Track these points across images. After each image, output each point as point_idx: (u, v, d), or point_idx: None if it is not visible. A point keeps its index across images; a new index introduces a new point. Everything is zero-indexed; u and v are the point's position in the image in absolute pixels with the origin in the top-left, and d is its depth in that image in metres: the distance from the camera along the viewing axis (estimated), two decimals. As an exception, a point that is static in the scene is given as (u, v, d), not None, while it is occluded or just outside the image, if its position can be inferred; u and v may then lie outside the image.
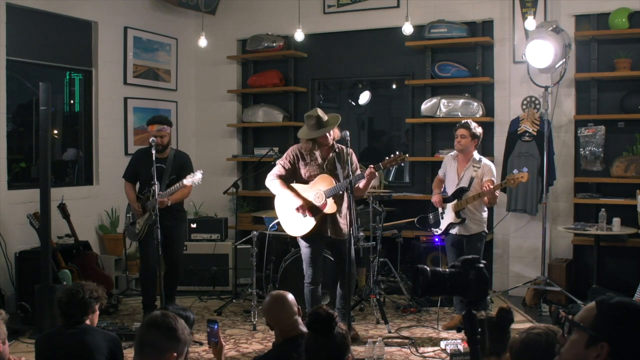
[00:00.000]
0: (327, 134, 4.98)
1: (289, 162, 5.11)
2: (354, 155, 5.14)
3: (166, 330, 2.44)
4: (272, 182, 5.12)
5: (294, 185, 5.11)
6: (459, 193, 5.32)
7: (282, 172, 5.11)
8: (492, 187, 5.10)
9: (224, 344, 3.33)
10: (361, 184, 4.98)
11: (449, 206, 5.37)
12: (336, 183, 4.95)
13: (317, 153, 5.06)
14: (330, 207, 4.98)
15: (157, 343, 2.42)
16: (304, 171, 5.09)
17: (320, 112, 5.03)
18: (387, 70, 7.56)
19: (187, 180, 5.40)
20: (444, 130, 7.12)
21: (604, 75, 6.44)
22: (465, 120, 5.44)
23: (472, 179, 5.30)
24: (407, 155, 5.00)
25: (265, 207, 7.39)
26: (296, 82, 7.85)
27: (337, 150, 5.09)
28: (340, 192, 4.95)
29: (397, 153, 4.88)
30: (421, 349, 4.92)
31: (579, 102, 6.62)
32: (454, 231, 5.38)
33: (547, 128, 6.13)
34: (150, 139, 5.40)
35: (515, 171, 5.29)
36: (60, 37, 6.63)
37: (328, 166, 5.06)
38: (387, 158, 4.91)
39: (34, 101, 6.41)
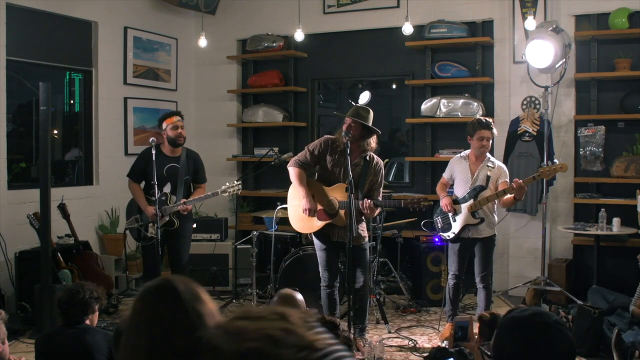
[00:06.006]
0: (363, 138, 4.69)
1: (318, 150, 4.77)
2: (382, 169, 4.88)
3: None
4: (291, 168, 4.81)
5: (315, 182, 4.84)
6: (475, 192, 5.00)
7: (306, 159, 4.79)
8: (522, 182, 4.73)
9: None
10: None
11: (464, 207, 5.01)
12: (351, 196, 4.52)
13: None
14: (339, 220, 4.72)
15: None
16: (330, 165, 4.77)
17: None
18: (387, 70, 7.55)
19: (225, 191, 5.29)
20: (444, 130, 7.13)
21: (604, 75, 6.44)
22: (485, 120, 5.09)
23: (488, 178, 4.99)
24: (431, 203, 4.71)
25: (265, 207, 7.38)
26: (296, 82, 7.85)
27: (367, 158, 4.77)
28: (355, 208, 4.56)
29: (420, 198, 4.70)
30: (421, 349, 4.92)
31: (579, 102, 6.62)
32: (468, 235, 5.05)
33: (547, 128, 6.13)
34: (150, 139, 5.27)
35: (551, 162, 5.03)
36: (60, 37, 6.63)
37: (355, 169, 4.68)
38: (410, 198, 4.73)
39: (34, 101, 6.41)
